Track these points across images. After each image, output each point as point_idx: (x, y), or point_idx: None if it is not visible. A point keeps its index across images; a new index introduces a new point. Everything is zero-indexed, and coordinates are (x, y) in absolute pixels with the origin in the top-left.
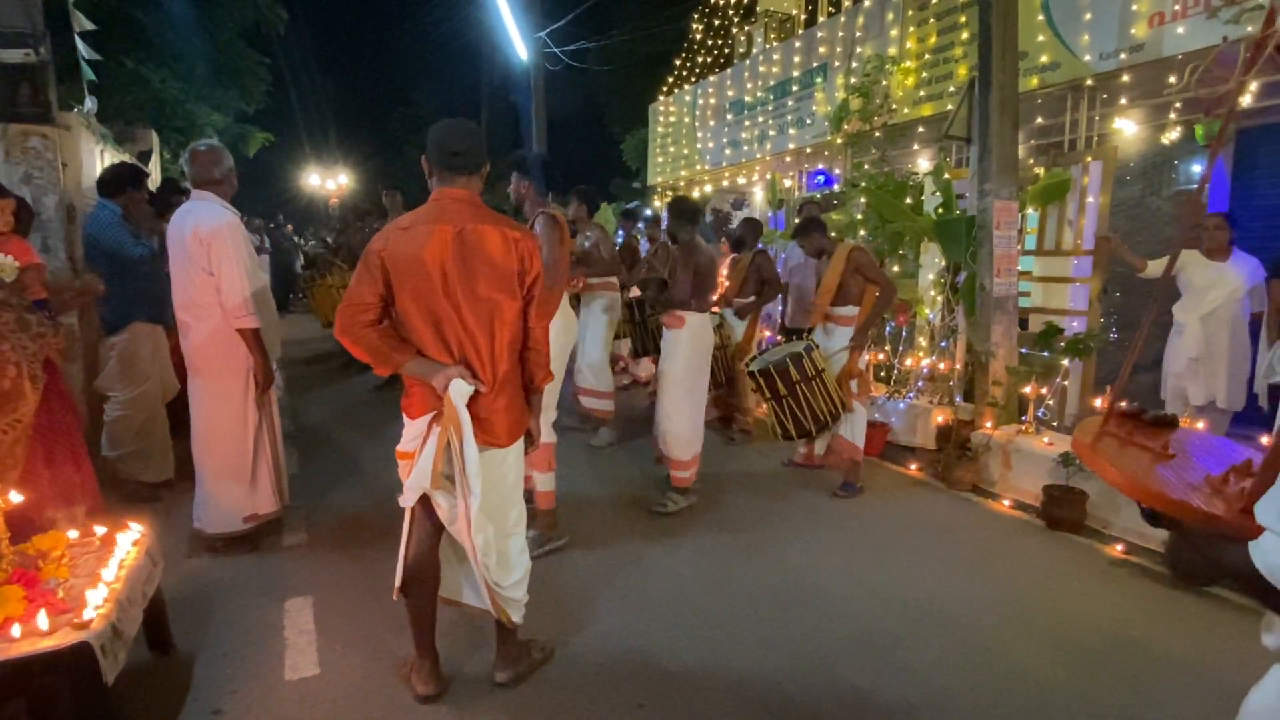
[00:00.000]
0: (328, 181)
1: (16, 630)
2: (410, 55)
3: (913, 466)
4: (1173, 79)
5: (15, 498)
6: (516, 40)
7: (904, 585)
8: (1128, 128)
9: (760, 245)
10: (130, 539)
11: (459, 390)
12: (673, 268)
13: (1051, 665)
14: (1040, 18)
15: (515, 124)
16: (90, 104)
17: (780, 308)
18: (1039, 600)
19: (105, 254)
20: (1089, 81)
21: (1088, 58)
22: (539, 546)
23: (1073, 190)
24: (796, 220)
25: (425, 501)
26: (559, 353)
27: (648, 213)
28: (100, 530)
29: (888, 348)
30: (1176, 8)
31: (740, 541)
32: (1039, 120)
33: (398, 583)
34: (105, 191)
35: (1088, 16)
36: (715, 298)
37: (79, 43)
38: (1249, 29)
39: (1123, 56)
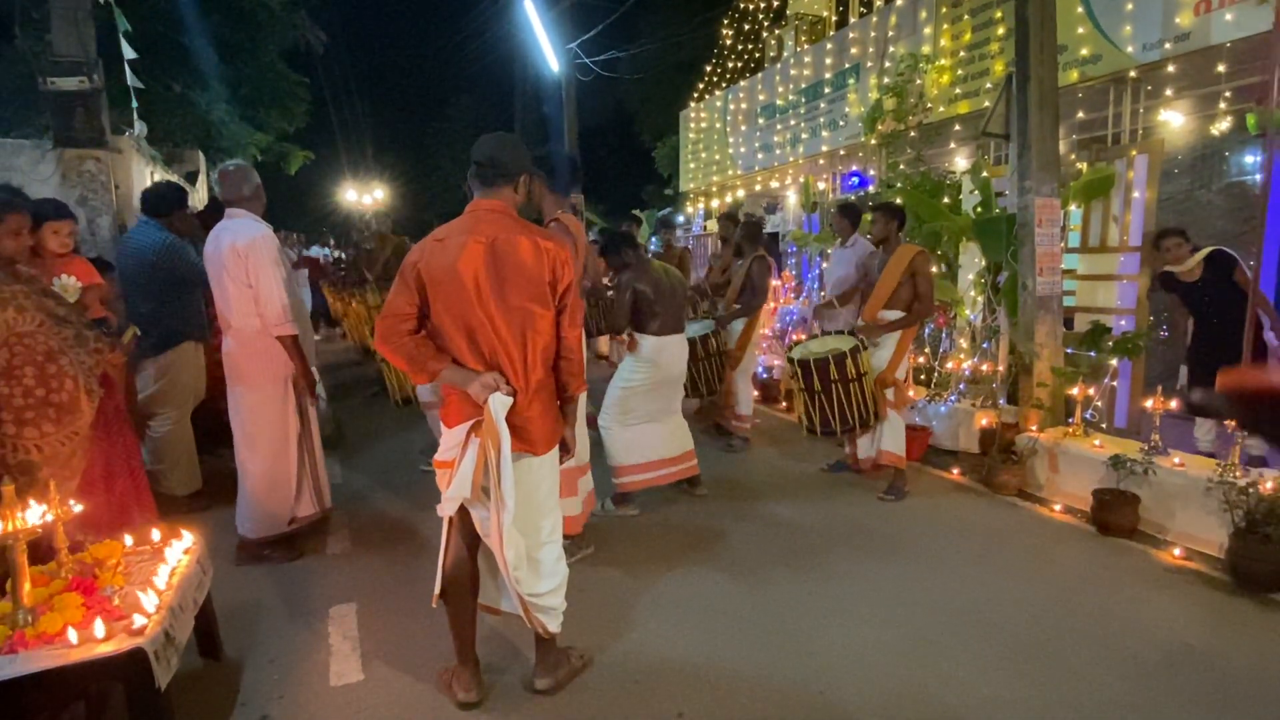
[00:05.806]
0: (364, 196)
1: (75, 636)
2: (445, 70)
3: (955, 471)
4: (1222, 68)
5: (75, 508)
6: (548, 52)
7: (947, 591)
8: (1175, 119)
9: (759, 250)
10: (182, 547)
11: (499, 403)
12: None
13: (1104, 675)
14: (1080, 10)
15: (548, 135)
16: (140, 128)
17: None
18: (1090, 607)
19: (170, 274)
20: (1132, 73)
21: (1130, 49)
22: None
23: (1117, 185)
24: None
25: (463, 511)
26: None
27: (680, 218)
28: (154, 538)
29: (927, 350)
30: None
31: (778, 547)
32: (1080, 115)
33: (437, 590)
34: (155, 211)
35: (1129, 7)
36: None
37: (128, 70)
38: None
39: (1168, 46)
